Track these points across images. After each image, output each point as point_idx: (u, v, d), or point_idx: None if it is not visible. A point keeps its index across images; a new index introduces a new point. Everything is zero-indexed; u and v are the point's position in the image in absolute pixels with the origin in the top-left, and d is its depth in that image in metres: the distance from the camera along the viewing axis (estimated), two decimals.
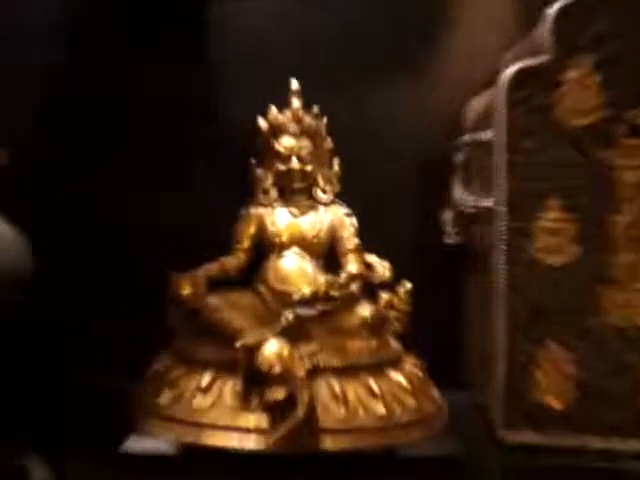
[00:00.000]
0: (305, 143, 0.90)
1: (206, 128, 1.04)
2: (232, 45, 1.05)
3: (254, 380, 0.75)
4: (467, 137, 0.96)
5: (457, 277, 1.04)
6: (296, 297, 0.81)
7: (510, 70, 0.83)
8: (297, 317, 0.78)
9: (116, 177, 1.03)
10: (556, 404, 0.83)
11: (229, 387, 0.78)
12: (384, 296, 0.85)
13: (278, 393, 0.74)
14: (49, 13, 1.02)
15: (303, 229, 0.90)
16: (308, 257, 0.90)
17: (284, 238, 0.90)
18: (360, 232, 0.91)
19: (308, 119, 0.90)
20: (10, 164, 0.88)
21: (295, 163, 0.89)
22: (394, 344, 0.86)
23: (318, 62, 1.03)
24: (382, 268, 0.89)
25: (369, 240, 0.91)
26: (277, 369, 0.74)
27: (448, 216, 1.01)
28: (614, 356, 0.82)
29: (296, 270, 0.89)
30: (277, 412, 0.74)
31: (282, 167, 0.90)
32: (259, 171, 0.92)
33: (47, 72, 1.02)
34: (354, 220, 0.92)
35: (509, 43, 0.96)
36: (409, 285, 0.86)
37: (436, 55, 1.07)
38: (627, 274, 0.82)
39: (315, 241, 0.90)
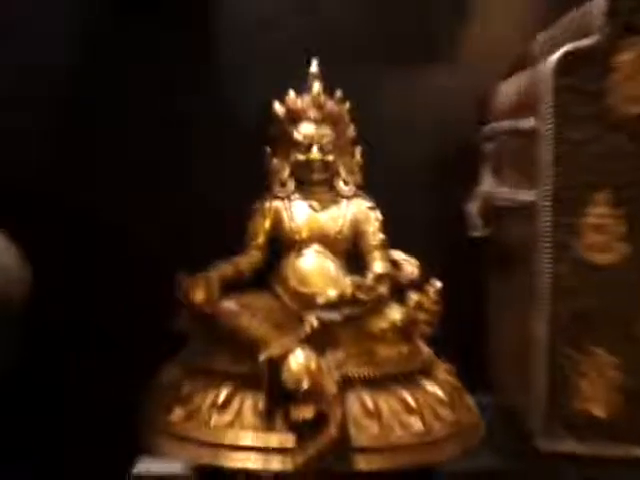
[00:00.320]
0: (326, 131, 0.82)
1: (209, 125, 0.98)
2: (240, 36, 0.99)
3: (279, 396, 0.68)
4: (501, 125, 0.89)
5: (481, 272, 0.98)
6: (321, 300, 0.74)
7: (557, 53, 0.76)
8: (322, 323, 0.71)
9: (116, 177, 0.97)
10: (600, 412, 0.78)
11: (249, 403, 0.71)
12: (413, 297, 0.78)
13: (306, 412, 0.67)
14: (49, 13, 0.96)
15: (324, 224, 0.83)
16: (330, 255, 0.82)
17: (304, 234, 0.82)
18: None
19: (330, 104, 0.83)
20: None
21: (315, 153, 0.81)
22: (425, 349, 0.80)
23: (340, 46, 0.97)
24: (410, 266, 0.82)
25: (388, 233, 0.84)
26: (305, 385, 0.67)
27: (474, 208, 0.94)
28: None
29: (317, 270, 0.81)
30: (305, 431, 0.68)
31: (301, 157, 0.82)
32: (275, 161, 0.84)
33: (47, 72, 0.96)
34: (379, 214, 0.84)
35: (542, 23, 0.89)
36: (439, 284, 0.79)
37: (460, 38, 1.01)
38: None
39: (338, 237, 0.83)
